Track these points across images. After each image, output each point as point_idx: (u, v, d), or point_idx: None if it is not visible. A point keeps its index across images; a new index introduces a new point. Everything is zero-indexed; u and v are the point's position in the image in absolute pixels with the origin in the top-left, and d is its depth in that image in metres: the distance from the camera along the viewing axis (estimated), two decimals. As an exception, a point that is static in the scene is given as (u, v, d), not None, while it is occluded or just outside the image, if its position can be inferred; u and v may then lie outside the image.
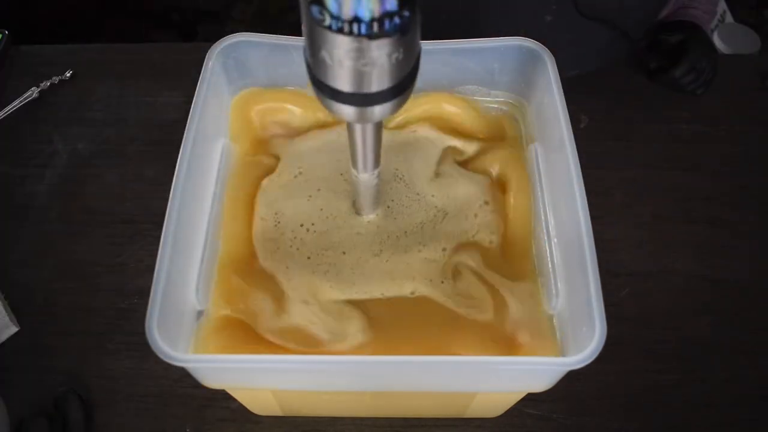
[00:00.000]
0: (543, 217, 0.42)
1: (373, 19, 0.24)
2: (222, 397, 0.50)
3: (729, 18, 1.17)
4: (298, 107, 0.47)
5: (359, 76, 0.27)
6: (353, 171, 0.37)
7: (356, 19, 0.24)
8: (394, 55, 0.26)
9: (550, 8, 0.59)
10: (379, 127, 0.33)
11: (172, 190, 0.37)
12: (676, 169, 0.65)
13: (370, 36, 0.24)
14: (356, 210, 0.42)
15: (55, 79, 0.69)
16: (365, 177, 0.37)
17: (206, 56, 0.43)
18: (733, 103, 0.70)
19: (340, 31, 0.24)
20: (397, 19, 0.24)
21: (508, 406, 0.48)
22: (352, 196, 0.42)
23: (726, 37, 1.08)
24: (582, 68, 0.68)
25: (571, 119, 0.39)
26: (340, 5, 0.24)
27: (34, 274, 0.57)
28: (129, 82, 0.70)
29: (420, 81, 0.48)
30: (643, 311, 0.55)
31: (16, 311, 0.55)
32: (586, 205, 0.36)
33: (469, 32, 0.45)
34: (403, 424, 0.50)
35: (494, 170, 0.46)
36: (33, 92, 0.67)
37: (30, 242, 0.59)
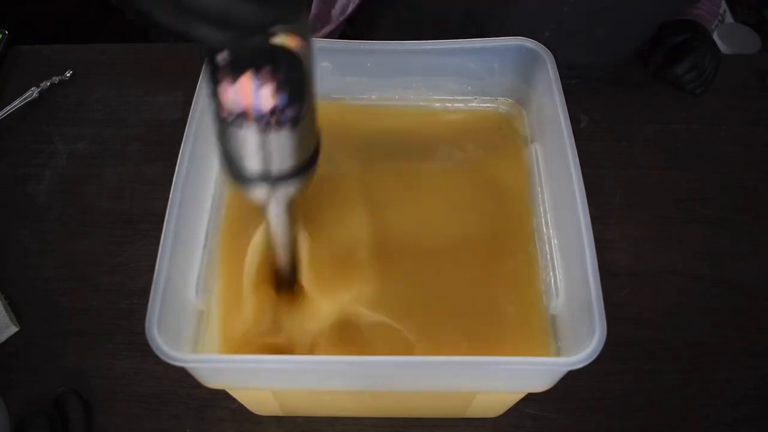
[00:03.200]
0: (543, 217, 0.42)
1: (263, 115, 0.27)
2: (222, 397, 0.50)
3: (729, 18, 1.17)
4: None
5: (262, 158, 0.30)
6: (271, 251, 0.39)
7: (246, 115, 0.27)
8: (290, 142, 0.29)
9: (549, 26, 0.59)
10: (290, 210, 0.35)
11: (172, 190, 0.37)
12: (676, 169, 0.65)
13: (263, 129, 0.27)
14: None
15: (55, 79, 0.69)
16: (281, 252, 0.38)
17: (206, 56, 0.43)
18: (733, 103, 0.70)
19: (235, 125, 0.27)
20: (286, 115, 0.27)
21: (508, 406, 0.48)
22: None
23: (726, 37, 1.09)
24: (581, 77, 0.68)
25: (571, 119, 0.40)
26: (229, 103, 0.26)
27: (34, 274, 0.57)
28: (129, 82, 0.70)
29: (420, 81, 0.48)
30: (643, 311, 0.55)
31: (16, 311, 0.55)
32: (586, 205, 0.36)
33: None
34: (403, 424, 0.50)
35: (494, 170, 0.46)
36: (33, 92, 0.67)
37: (30, 242, 0.59)
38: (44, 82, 0.68)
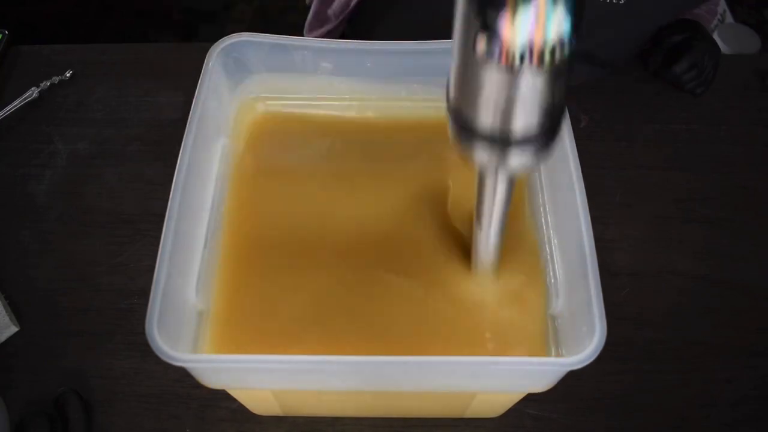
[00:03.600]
0: (543, 217, 0.42)
1: (547, 48, 0.22)
2: (222, 397, 0.50)
3: (729, 18, 1.17)
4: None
5: (508, 112, 0.24)
6: (475, 223, 0.34)
7: (531, 50, 0.22)
8: (550, 88, 0.24)
9: None
10: (512, 183, 0.30)
11: (172, 190, 0.37)
12: (676, 169, 0.65)
13: (541, 66, 0.23)
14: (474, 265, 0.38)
15: (55, 79, 0.69)
16: (485, 233, 0.34)
17: (206, 56, 0.43)
18: (733, 103, 0.70)
19: (507, 63, 0.22)
20: (568, 47, 0.22)
21: (508, 406, 0.48)
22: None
23: (726, 37, 1.08)
24: (584, 79, 0.68)
25: (571, 119, 0.39)
26: (509, 35, 0.22)
27: (34, 274, 0.57)
28: (129, 82, 0.70)
29: (420, 81, 0.48)
30: (643, 311, 0.55)
31: (16, 311, 0.55)
32: (586, 205, 0.36)
33: None
34: (403, 424, 0.50)
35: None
36: (33, 92, 0.67)
37: (30, 242, 0.59)
38: (44, 82, 0.68)
